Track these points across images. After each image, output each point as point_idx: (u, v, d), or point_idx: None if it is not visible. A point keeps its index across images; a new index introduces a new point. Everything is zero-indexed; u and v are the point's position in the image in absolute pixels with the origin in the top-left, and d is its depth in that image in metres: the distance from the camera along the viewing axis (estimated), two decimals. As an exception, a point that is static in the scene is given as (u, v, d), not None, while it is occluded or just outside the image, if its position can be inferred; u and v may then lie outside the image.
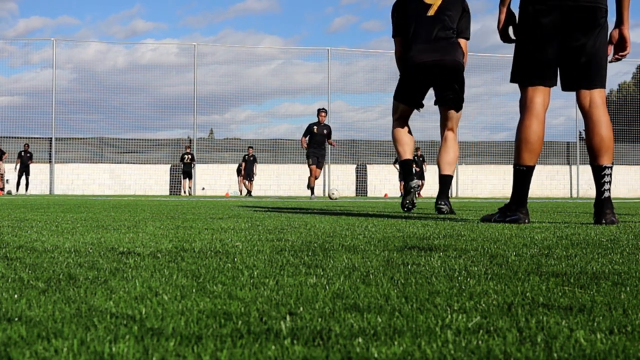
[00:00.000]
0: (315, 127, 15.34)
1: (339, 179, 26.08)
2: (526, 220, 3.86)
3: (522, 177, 3.91)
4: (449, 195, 5.89)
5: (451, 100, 5.79)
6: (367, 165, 26.42)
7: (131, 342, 0.86)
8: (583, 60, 3.92)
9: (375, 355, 0.81)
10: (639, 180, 27.79)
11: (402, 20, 5.68)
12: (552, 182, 27.08)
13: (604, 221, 3.81)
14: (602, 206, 3.85)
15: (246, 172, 24.49)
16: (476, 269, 1.66)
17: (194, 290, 1.29)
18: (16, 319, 1.00)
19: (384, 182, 26.34)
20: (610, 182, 3.88)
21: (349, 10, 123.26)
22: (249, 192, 24.30)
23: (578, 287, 1.36)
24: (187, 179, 24.66)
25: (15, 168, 23.04)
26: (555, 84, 4.03)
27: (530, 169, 3.90)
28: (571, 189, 27.15)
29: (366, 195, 25.33)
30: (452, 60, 5.54)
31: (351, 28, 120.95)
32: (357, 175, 26.39)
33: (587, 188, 26.47)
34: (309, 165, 15.42)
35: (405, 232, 3.03)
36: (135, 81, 26.48)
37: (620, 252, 2.13)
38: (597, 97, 3.94)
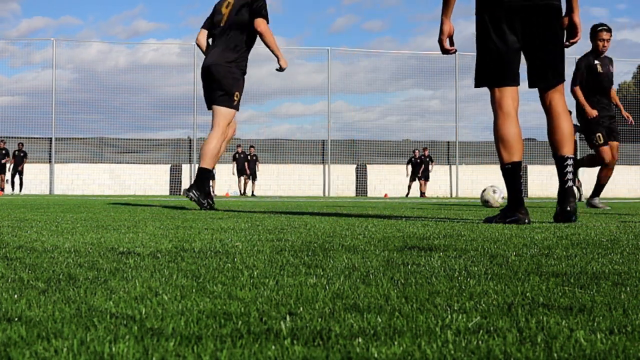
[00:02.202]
0: (597, 62, 7.58)
1: (339, 179, 26.08)
2: (526, 220, 3.89)
3: (511, 175, 3.99)
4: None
5: (216, 99, 6.38)
6: (367, 165, 26.41)
7: (131, 342, 0.86)
8: (543, 57, 4.07)
9: (375, 355, 0.81)
10: (639, 180, 27.79)
11: (210, 18, 6.45)
12: (552, 182, 27.07)
13: (568, 208, 3.97)
14: (566, 195, 4.02)
15: (244, 172, 24.44)
16: (476, 269, 1.66)
17: (194, 290, 1.29)
18: (16, 319, 1.00)
19: (384, 182, 26.34)
20: (572, 172, 4.06)
21: (351, 10, 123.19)
22: (252, 192, 24.27)
23: (578, 287, 1.36)
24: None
25: (9, 168, 23.12)
26: (519, 84, 4.15)
27: (516, 165, 3.97)
28: (571, 189, 27.14)
29: (366, 195, 25.33)
30: (213, 65, 6.24)
31: (353, 28, 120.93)
32: (357, 175, 26.37)
33: (587, 188, 26.47)
34: (595, 143, 7.65)
35: (405, 232, 3.03)
36: (136, 81, 26.48)
37: (620, 252, 2.13)
38: (557, 93, 4.11)
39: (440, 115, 29.58)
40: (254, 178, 24.44)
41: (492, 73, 4.09)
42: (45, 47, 25.99)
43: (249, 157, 24.56)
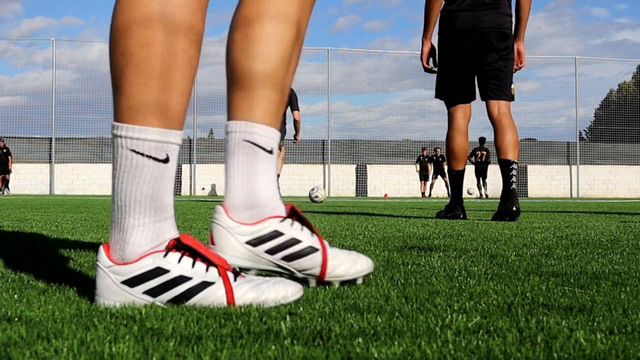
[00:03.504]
0: None
1: (339, 179, 26.08)
2: (461, 216, 4.64)
3: (456, 179, 4.78)
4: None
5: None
6: (367, 165, 26.41)
7: (131, 342, 0.86)
8: (494, 76, 4.58)
9: (375, 355, 0.81)
10: (639, 180, 27.78)
11: None
12: (552, 182, 27.07)
13: (514, 208, 4.36)
14: (510, 196, 4.42)
15: None
16: (476, 269, 1.66)
17: (194, 290, 1.28)
18: (16, 319, 1.00)
19: (384, 182, 26.34)
20: (516, 175, 4.53)
21: (353, 10, 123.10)
22: None
23: (578, 287, 1.36)
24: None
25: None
26: (475, 98, 4.73)
27: (460, 172, 4.77)
28: (571, 189, 27.15)
29: (366, 195, 25.33)
30: None
31: (354, 28, 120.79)
32: (357, 175, 26.37)
33: (587, 188, 26.45)
34: None
35: (405, 232, 3.04)
36: (136, 81, 26.41)
37: (620, 252, 2.13)
38: (504, 106, 4.61)
39: (440, 115, 29.55)
40: None
41: (447, 91, 4.73)
42: (47, 48, 26.02)
43: None
